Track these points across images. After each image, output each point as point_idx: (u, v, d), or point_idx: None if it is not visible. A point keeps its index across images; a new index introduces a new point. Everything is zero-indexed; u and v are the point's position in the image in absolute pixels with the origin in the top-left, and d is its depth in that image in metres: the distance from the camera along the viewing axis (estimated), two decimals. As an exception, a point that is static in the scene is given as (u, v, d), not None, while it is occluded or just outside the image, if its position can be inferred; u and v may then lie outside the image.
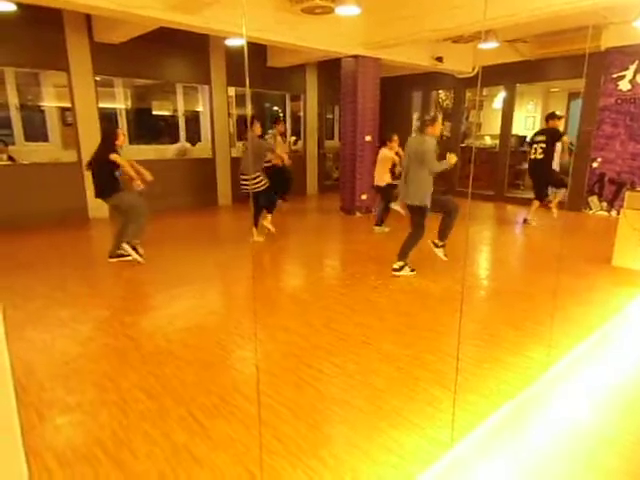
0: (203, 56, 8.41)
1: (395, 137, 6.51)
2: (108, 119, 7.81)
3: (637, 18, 5.88)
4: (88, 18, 6.90)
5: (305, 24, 6.51)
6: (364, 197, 8.19)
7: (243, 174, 5.92)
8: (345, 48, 7.30)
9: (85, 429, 2.23)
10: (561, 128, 6.85)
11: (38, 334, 3.28)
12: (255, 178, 5.78)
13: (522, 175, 10.59)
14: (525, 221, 7.22)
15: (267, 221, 6.18)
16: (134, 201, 4.90)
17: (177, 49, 8.03)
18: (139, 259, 4.93)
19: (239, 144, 9.53)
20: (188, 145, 9.03)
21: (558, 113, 6.88)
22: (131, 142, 8.32)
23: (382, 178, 6.46)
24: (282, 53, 8.66)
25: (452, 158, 4.42)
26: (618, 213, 5.24)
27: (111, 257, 4.99)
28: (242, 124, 9.87)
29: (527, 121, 11.01)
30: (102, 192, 4.82)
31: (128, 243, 4.89)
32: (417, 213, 4.53)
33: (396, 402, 2.43)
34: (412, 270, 4.64)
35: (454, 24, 6.11)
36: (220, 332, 3.34)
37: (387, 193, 6.48)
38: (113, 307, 3.89)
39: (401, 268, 4.60)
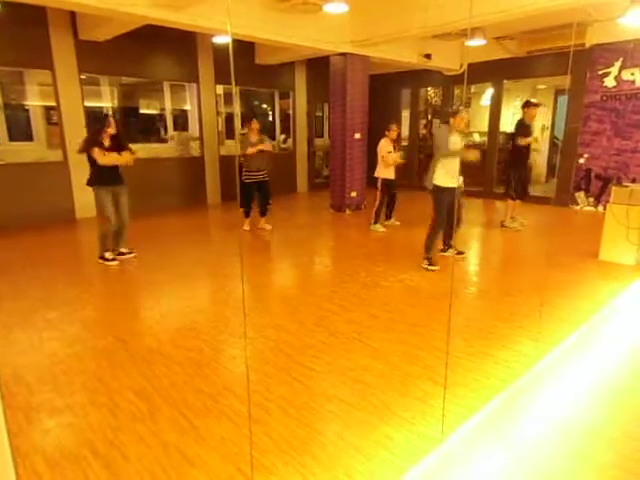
0: (190, 54, 8.34)
1: (393, 126, 6.41)
2: (95, 118, 7.70)
3: (622, 15, 5.95)
4: (72, 16, 6.81)
5: (293, 21, 6.49)
6: (354, 194, 8.20)
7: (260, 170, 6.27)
8: (333, 46, 7.29)
9: (74, 431, 2.21)
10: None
11: (25, 336, 3.24)
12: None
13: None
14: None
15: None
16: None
17: (164, 47, 7.95)
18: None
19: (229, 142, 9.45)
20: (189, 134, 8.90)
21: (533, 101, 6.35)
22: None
23: (381, 171, 6.40)
24: (270, 51, 8.61)
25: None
26: (604, 208, 5.32)
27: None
28: (230, 122, 9.82)
29: (515, 118, 11.02)
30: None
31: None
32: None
33: (387, 398, 2.44)
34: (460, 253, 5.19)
35: (441, 21, 6.15)
36: (210, 331, 3.32)
37: (384, 187, 6.44)
38: (101, 308, 3.86)
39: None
